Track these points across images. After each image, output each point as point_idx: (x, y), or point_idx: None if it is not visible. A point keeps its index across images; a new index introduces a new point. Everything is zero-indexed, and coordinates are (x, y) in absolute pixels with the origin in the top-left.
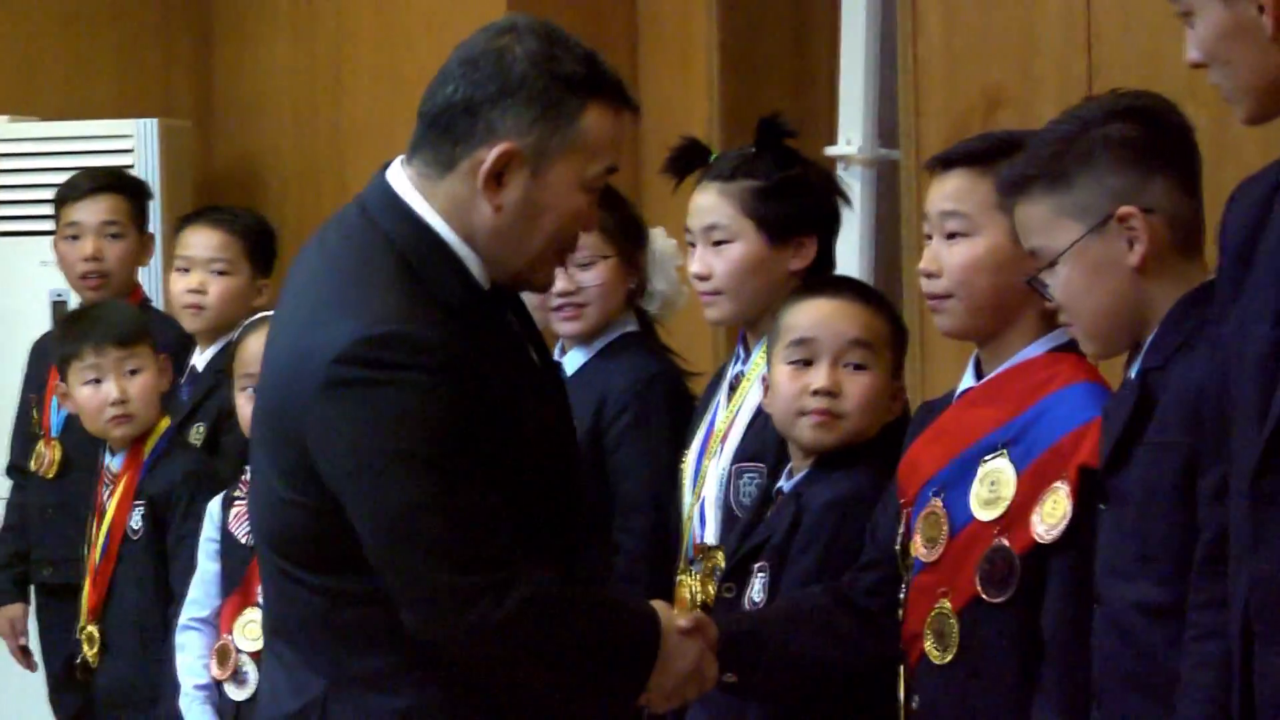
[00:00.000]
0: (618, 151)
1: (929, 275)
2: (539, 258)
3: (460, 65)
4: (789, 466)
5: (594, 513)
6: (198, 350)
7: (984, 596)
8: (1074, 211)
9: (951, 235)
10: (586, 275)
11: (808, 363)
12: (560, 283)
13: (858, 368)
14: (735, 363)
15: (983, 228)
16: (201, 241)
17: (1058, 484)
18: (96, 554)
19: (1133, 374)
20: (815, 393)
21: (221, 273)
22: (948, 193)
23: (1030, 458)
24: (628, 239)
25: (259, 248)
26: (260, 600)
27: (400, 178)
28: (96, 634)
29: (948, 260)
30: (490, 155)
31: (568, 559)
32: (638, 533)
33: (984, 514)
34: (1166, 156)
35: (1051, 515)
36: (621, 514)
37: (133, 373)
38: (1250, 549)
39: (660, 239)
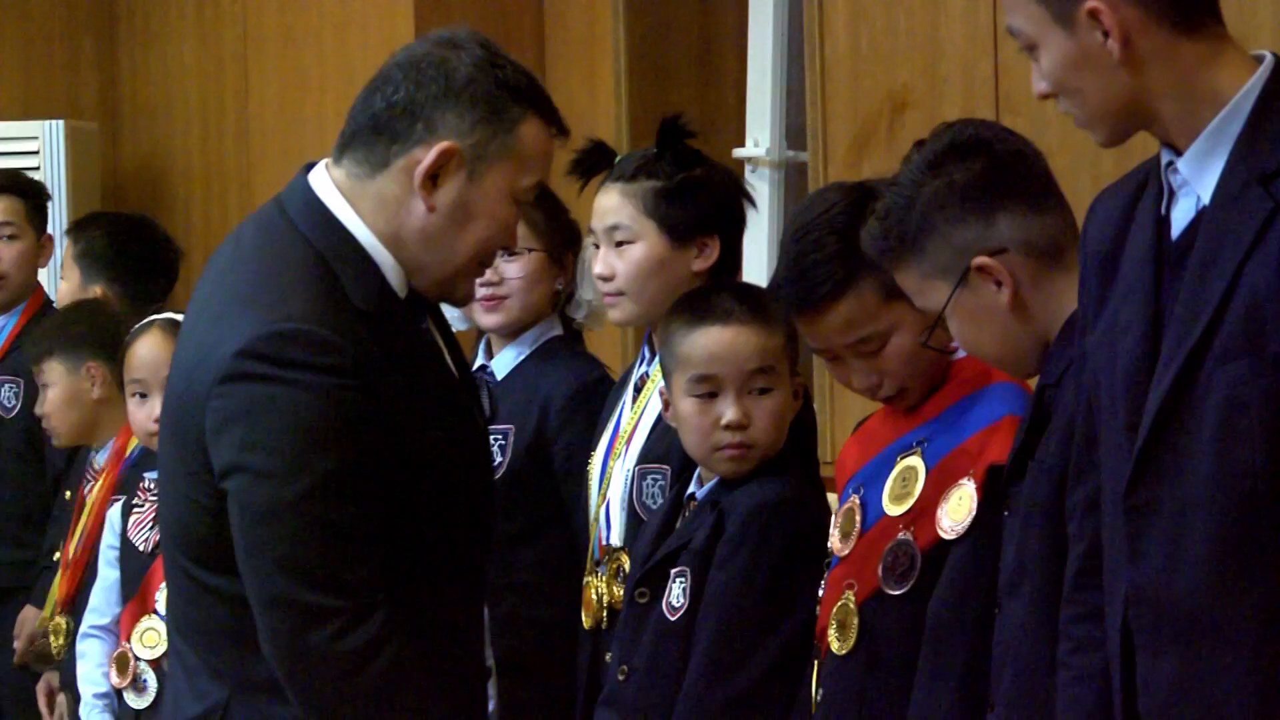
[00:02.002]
0: (547, 169)
1: None
2: (463, 267)
3: (401, 69)
4: (698, 472)
5: (532, 518)
6: None
7: (885, 589)
8: (936, 273)
9: None
10: (510, 267)
11: (713, 395)
12: (485, 272)
13: (763, 392)
14: (640, 364)
15: None
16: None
17: (964, 481)
18: (73, 546)
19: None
20: (727, 427)
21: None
22: None
23: (940, 455)
24: (557, 238)
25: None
26: (159, 608)
27: (323, 180)
28: (64, 625)
29: None
30: (430, 153)
31: (473, 577)
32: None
33: (894, 509)
34: (1004, 189)
35: (956, 512)
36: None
37: None
38: (1126, 560)
39: (593, 248)
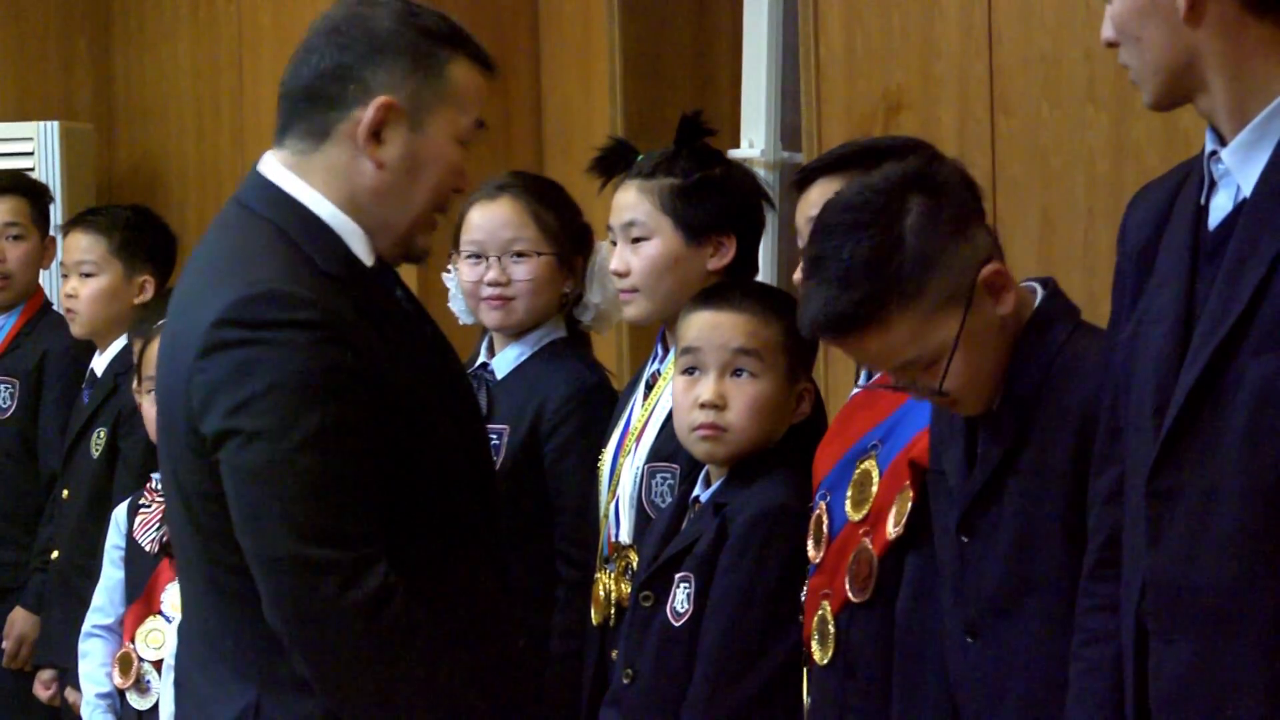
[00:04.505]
0: (482, 107)
1: None
2: (421, 218)
3: (323, 36)
4: (705, 471)
5: (529, 520)
6: (97, 353)
7: (851, 597)
8: (941, 305)
9: None
10: (518, 269)
11: (697, 372)
12: (491, 272)
13: (744, 376)
14: (653, 361)
15: None
16: (71, 244)
17: (908, 482)
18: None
19: (993, 405)
20: (701, 405)
21: (88, 274)
22: (814, 201)
23: (890, 457)
24: (567, 242)
25: (132, 243)
26: (164, 609)
27: (271, 164)
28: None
29: None
30: (368, 111)
31: (486, 551)
32: (587, 545)
33: (854, 515)
34: (966, 204)
35: (900, 513)
36: (567, 525)
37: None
38: (1146, 546)
39: (605, 251)
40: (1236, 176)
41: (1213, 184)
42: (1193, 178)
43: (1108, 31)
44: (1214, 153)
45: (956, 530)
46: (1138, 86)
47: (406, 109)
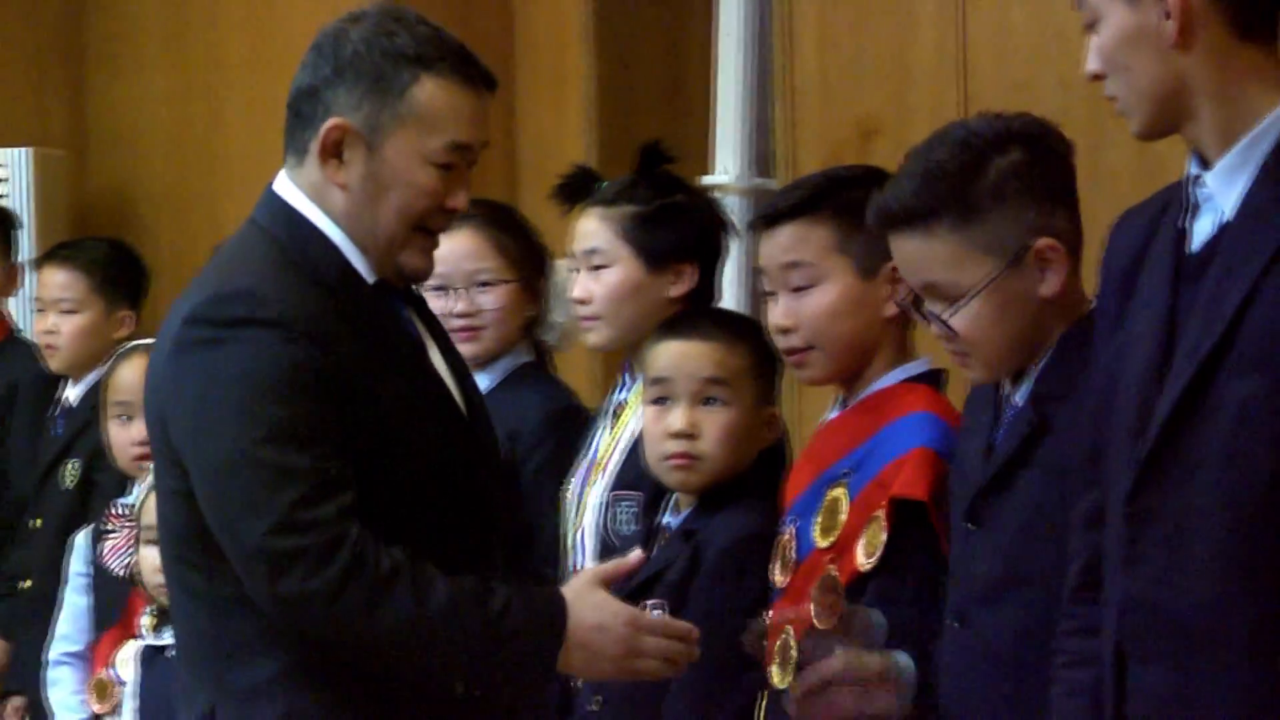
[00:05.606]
0: (470, 125)
1: (784, 331)
2: (397, 238)
3: (311, 52)
4: (672, 499)
5: (508, 544)
6: (70, 383)
7: (816, 623)
8: (987, 246)
9: (799, 288)
10: (485, 298)
11: (668, 403)
12: (459, 304)
13: (716, 405)
14: (619, 390)
15: (828, 273)
16: (50, 280)
17: (878, 513)
18: None
19: (1018, 398)
20: (674, 435)
21: (69, 311)
22: (784, 245)
23: (860, 487)
24: (530, 266)
25: (112, 280)
26: (143, 633)
27: (280, 178)
28: None
29: (803, 313)
30: (319, 132)
31: (481, 562)
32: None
33: (822, 541)
34: (1064, 183)
35: (871, 545)
36: (545, 547)
37: None
38: (1123, 567)
39: (563, 270)
40: (1219, 200)
41: (1195, 207)
42: (1175, 202)
43: (1093, 64)
44: (1197, 176)
45: (964, 518)
46: (1125, 117)
47: (362, 131)
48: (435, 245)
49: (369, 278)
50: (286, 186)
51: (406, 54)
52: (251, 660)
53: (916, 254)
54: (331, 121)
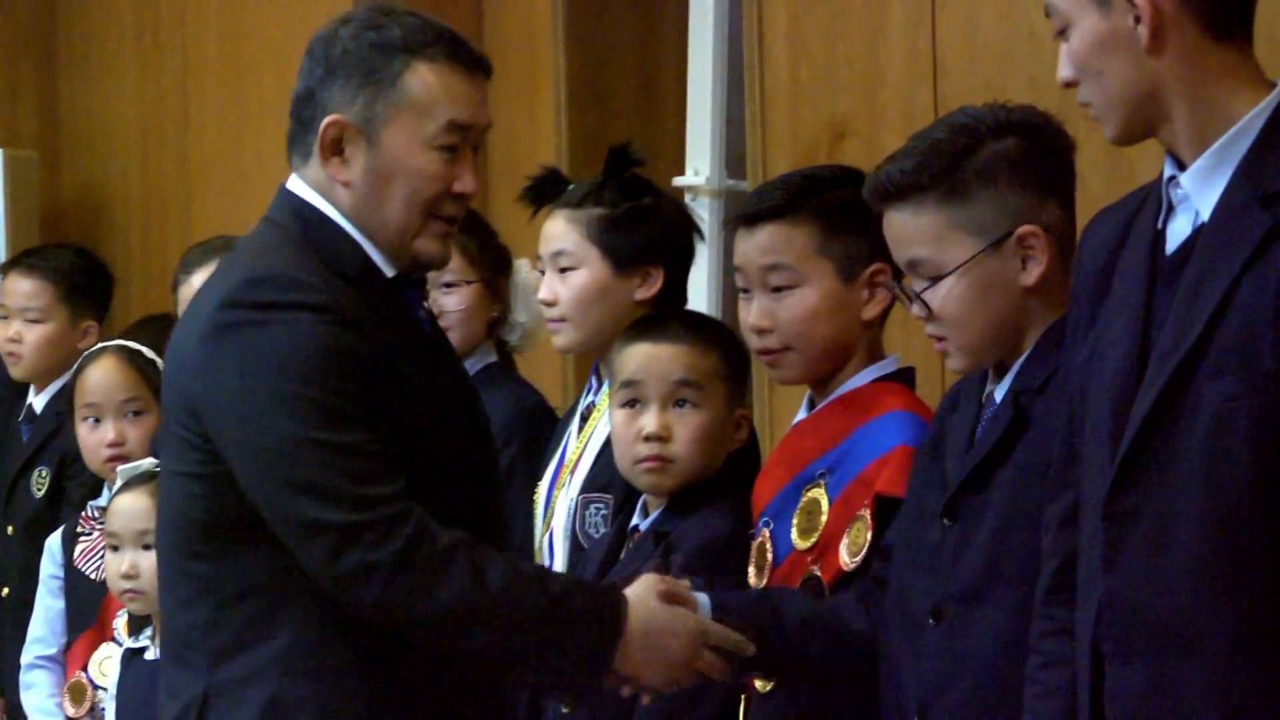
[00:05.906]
0: (466, 105)
1: (761, 331)
2: (408, 225)
3: (304, 58)
4: (642, 501)
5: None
6: (33, 390)
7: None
8: (970, 227)
9: (778, 289)
10: (449, 300)
11: (638, 406)
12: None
13: (687, 407)
14: (587, 393)
15: (809, 276)
16: (15, 288)
17: (862, 512)
18: None
19: (998, 394)
20: (646, 438)
21: (34, 320)
22: (764, 246)
23: (840, 487)
24: (491, 266)
25: (79, 289)
26: (118, 636)
27: (293, 179)
28: None
29: (781, 315)
30: (317, 132)
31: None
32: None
33: (801, 543)
34: (1059, 176)
35: (855, 544)
36: (516, 545)
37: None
38: (1102, 569)
39: (525, 270)
40: (1195, 201)
41: (1170, 208)
42: (1150, 202)
43: (1066, 71)
44: (1172, 177)
45: (941, 513)
46: (1100, 123)
47: (359, 126)
48: (451, 232)
49: (388, 272)
50: (297, 183)
51: (396, 43)
52: (246, 651)
53: (904, 228)
54: (328, 119)
